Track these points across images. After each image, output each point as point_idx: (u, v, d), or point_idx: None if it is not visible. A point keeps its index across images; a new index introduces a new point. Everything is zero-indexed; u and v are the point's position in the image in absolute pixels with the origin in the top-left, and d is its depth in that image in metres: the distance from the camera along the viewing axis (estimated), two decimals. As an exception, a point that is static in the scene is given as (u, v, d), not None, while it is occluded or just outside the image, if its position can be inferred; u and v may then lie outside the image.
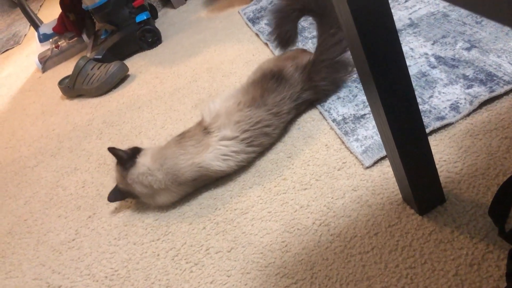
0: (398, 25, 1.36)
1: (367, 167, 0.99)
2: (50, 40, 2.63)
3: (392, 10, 1.43)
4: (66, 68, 2.39)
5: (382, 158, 0.99)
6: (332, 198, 0.96)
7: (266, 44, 1.64)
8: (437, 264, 0.76)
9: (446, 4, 1.34)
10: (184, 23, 2.23)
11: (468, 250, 0.76)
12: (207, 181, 1.14)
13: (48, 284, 1.10)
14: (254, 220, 1.00)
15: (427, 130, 0.98)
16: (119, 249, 1.10)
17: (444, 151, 0.94)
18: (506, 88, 0.99)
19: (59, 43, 2.58)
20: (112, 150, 1.16)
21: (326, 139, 1.12)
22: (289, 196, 1.02)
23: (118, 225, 1.17)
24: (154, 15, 2.42)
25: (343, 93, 1.22)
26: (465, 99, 1.02)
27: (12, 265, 1.22)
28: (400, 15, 1.40)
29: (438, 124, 0.99)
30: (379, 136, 1.03)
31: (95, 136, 1.63)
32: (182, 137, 1.16)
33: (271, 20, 1.26)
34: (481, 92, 1.01)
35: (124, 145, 1.48)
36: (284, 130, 1.20)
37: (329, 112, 1.18)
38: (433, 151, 0.94)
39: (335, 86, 1.23)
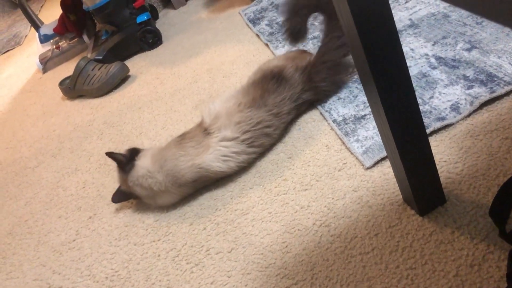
0: (399, 25, 1.36)
1: (368, 168, 0.99)
2: (51, 40, 2.63)
3: (393, 11, 1.43)
4: (67, 69, 2.39)
5: (383, 159, 0.99)
6: (332, 199, 0.96)
7: (267, 44, 1.64)
8: (438, 264, 0.76)
9: (447, 5, 1.34)
10: (184, 24, 2.23)
11: (468, 251, 0.76)
12: (208, 182, 1.14)
13: (48, 285, 1.10)
14: (255, 220, 1.00)
15: (428, 131, 0.98)
16: (120, 250, 1.10)
17: (444, 152, 0.94)
18: (507, 88, 0.99)
19: (59, 43, 2.58)
20: (110, 154, 1.18)
21: (326, 140, 1.12)
22: (290, 196, 1.02)
23: (119, 226, 1.17)
24: (154, 15, 2.42)
25: (343, 93, 1.22)
26: (465, 99, 1.02)
27: (12, 265, 1.22)
28: (400, 16, 1.40)
29: (438, 124, 0.99)
30: (379, 136, 1.03)
31: (95, 136, 1.63)
32: (182, 138, 1.16)
33: (283, 12, 1.26)
34: (482, 92, 1.01)
35: (125, 146, 1.48)
36: (284, 130, 1.20)
37: (329, 112, 1.18)
38: (433, 151, 0.94)
39: (335, 87, 1.23)
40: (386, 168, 0.96)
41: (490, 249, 0.74)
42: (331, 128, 1.14)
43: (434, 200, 0.83)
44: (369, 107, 1.13)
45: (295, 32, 1.24)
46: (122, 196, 1.19)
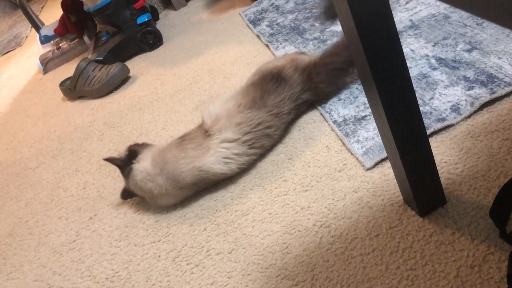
0: (399, 26, 1.36)
1: (368, 169, 0.99)
2: (52, 41, 2.64)
3: (393, 12, 1.43)
4: (67, 70, 2.39)
5: (383, 160, 0.99)
6: (333, 199, 0.96)
7: (267, 45, 1.65)
8: (438, 265, 0.76)
9: (447, 6, 1.34)
10: (185, 25, 2.23)
11: (469, 252, 0.75)
12: (208, 185, 1.14)
13: (49, 286, 1.10)
14: (255, 221, 1.00)
15: (428, 132, 0.98)
16: (120, 251, 1.10)
17: (445, 153, 0.94)
18: (507, 89, 0.99)
19: (60, 44, 2.59)
20: (108, 160, 1.20)
21: (327, 141, 1.12)
22: (290, 197, 1.02)
23: (119, 227, 1.17)
24: (155, 16, 2.42)
25: (344, 94, 1.22)
26: (466, 100, 1.02)
27: (13, 266, 1.22)
28: (401, 17, 1.40)
29: (439, 125, 0.99)
30: (380, 137, 1.03)
31: (96, 137, 1.63)
32: (183, 139, 1.16)
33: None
34: (482, 93, 1.01)
35: (125, 147, 1.48)
36: (285, 131, 1.20)
37: (330, 113, 1.18)
38: (434, 152, 0.94)
39: (335, 89, 1.23)
40: (387, 169, 0.96)
41: (491, 250, 0.74)
42: (332, 129, 1.14)
43: (435, 201, 0.83)
44: (369, 108, 1.13)
45: (331, 11, 1.23)
46: (128, 194, 1.21)
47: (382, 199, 0.91)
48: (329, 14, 1.23)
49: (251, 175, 1.13)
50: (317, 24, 1.62)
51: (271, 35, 1.70)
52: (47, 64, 2.54)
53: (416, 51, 1.23)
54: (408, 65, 1.19)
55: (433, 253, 0.78)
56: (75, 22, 2.44)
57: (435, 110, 1.03)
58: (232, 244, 0.98)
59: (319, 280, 0.83)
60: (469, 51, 1.14)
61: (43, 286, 1.11)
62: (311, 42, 1.52)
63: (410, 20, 1.36)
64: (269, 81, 1.17)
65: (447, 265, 0.75)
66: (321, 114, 1.20)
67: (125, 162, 1.17)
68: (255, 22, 1.86)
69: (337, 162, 1.04)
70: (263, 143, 1.14)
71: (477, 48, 1.13)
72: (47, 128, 1.89)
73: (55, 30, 2.55)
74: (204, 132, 1.14)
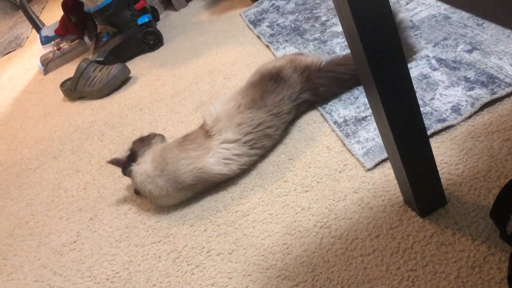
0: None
1: (369, 169, 0.99)
2: (52, 42, 2.64)
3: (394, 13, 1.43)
4: (68, 70, 2.39)
5: (384, 160, 0.99)
6: (333, 200, 0.96)
7: (268, 46, 1.65)
8: (439, 266, 0.76)
9: (447, 6, 1.34)
10: (185, 26, 2.24)
11: (469, 253, 0.75)
12: (209, 186, 1.13)
13: (49, 286, 1.10)
14: (256, 222, 1.00)
15: (429, 132, 0.98)
16: (120, 251, 1.10)
17: (445, 153, 0.94)
18: (508, 90, 0.99)
19: (61, 45, 2.59)
20: (111, 163, 1.24)
21: (327, 141, 1.12)
22: (290, 198, 1.02)
23: (120, 227, 1.17)
24: (155, 17, 2.42)
25: (344, 95, 1.22)
26: (466, 101, 1.02)
27: (13, 267, 1.22)
28: (402, 18, 1.40)
29: (439, 126, 0.99)
30: (380, 138, 1.03)
31: (96, 138, 1.63)
32: (184, 139, 1.16)
33: None
34: (483, 94, 1.01)
35: (125, 147, 1.48)
36: (285, 132, 1.20)
37: (330, 114, 1.18)
38: (434, 153, 0.94)
39: (333, 94, 1.23)
40: (387, 170, 0.96)
41: (491, 250, 0.74)
42: (332, 130, 1.14)
43: (435, 201, 0.83)
44: (370, 108, 1.13)
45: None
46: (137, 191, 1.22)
47: (382, 199, 0.91)
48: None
49: (251, 175, 1.13)
50: (317, 25, 1.62)
51: (272, 35, 1.70)
52: (47, 65, 2.54)
53: (416, 52, 1.23)
54: (409, 65, 1.19)
55: (434, 253, 0.78)
56: (75, 22, 2.44)
57: (436, 110, 1.03)
58: (232, 245, 0.98)
59: (319, 280, 0.83)
60: (469, 51, 1.14)
61: (43, 286, 1.11)
62: (311, 43, 1.52)
63: (411, 21, 1.36)
64: (268, 81, 1.17)
65: (448, 266, 0.75)
66: (322, 114, 1.20)
67: (125, 165, 1.19)
68: (255, 22, 1.86)
69: (337, 162, 1.04)
70: (264, 143, 1.14)
71: (477, 49, 1.13)
72: (47, 128, 1.89)
73: (55, 31, 2.55)
74: (205, 132, 1.14)
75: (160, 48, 2.14)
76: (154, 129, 1.52)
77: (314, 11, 1.72)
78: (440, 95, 1.06)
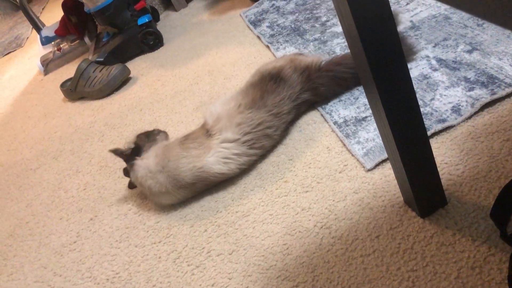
0: (400, 28, 1.36)
1: (369, 170, 0.99)
2: (52, 42, 2.64)
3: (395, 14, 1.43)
4: (68, 71, 2.39)
5: (384, 161, 0.99)
6: (333, 200, 0.96)
7: (268, 46, 1.65)
8: (439, 267, 0.76)
9: (448, 7, 1.34)
10: (185, 26, 2.24)
11: (469, 253, 0.75)
12: (209, 186, 1.14)
13: (49, 287, 1.10)
14: (256, 222, 1.00)
15: (429, 133, 0.98)
16: (121, 252, 1.10)
17: (445, 154, 0.94)
18: (508, 90, 0.99)
19: (61, 45, 2.59)
20: (113, 152, 1.21)
21: (327, 142, 1.12)
22: (291, 198, 1.02)
23: (120, 228, 1.17)
24: (156, 17, 2.42)
25: (344, 95, 1.22)
26: (466, 101, 1.02)
27: (13, 267, 1.22)
28: (401, 18, 1.40)
29: (439, 126, 0.99)
30: (380, 138, 1.03)
31: (97, 138, 1.63)
32: (186, 138, 1.17)
33: None
34: (483, 94, 1.01)
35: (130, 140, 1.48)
36: (285, 132, 1.20)
37: (330, 114, 1.18)
38: (434, 153, 0.94)
39: (333, 94, 1.23)
40: (387, 170, 0.96)
41: (491, 251, 0.74)
42: (332, 130, 1.14)
43: (435, 202, 0.83)
44: (370, 109, 1.13)
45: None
46: (133, 185, 1.22)
47: (382, 200, 0.91)
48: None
49: (251, 176, 1.13)
50: (317, 25, 1.62)
51: (272, 36, 1.70)
52: (48, 65, 2.54)
53: (416, 52, 1.23)
54: (409, 66, 1.19)
55: (434, 254, 0.78)
56: (76, 23, 2.44)
57: (436, 111, 1.03)
58: (232, 245, 0.98)
59: (319, 281, 0.83)
60: (469, 52, 1.14)
61: (43, 287, 1.11)
62: (311, 43, 1.52)
63: (411, 21, 1.36)
64: (268, 82, 1.17)
65: (448, 266, 0.75)
66: (322, 115, 1.20)
67: (129, 157, 1.19)
68: (255, 23, 1.86)
69: (337, 163, 1.04)
70: (263, 143, 1.14)
71: (477, 49, 1.13)
72: (48, 129, 1.89)
73: (56, 31, 2.55)
74: (206, 132, 1.15)
75: (160, 48, 2.14)
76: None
77: (314, 12, 1.72)
78: (440, 96, 1.06)
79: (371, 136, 1.05)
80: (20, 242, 1.30)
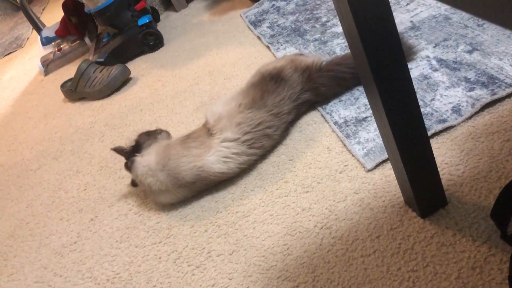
0: (400, 28, 1.36)
1: (369, 170, 0.99)
2: (53, 43, 2.64)
3: (394, 13, 1.43)
4: (69, 71, 2.39)
5: (384, 161, 0.99)
6: (334, 201, 0.96)
7: (268, 47, 1.65)
8: (439, 267, 0.76)
9: (448, 7, 1.34)
10: (186, 26, 2.24)
11: (470, 253, 0.75)
12: (209, 185, 1.14)
13: (50, 287, 1.10)
14: (256, 223, 1.00)
15: (429, 133, 0.98)
16: (121, 252, 1.10)
17: (446, 154, 0.94)
18: (508, 90, 0.99)
19: (61, 46, 2.59)
20: (115, 150, 1.22)
21: (327, 142, 1.12)
22: (291, 199, 1.02)
23: (120, 228, 1.17)
24: (156, 18, 2.42)
25: (344, 96, 1.22)
26: (467, 101, 1.02)
27: (14, 268, 1.22)
28: (401, 18, 1.40)
29: (440, 126, 0.99)
30: (380, 139, 1.03)
31: (97, 138, 1.63)
32: (188, 137, 1.17)
33: None
34: (483, 94, 1.01)
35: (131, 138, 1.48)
36: (285, 132, 1.20)
37: (330, 114, 1.18)
38: (435, 153, 0.94)
39: (333, 94, 1.23)
40: (388, 170, 0.96)
41: (492, 251, 0.74)
42: (332, 130, 1.14)
43: (436, 202, 0.83)
44: (370, 109, 1.13)
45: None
46: (136, 183, 1.23)
47: (383, 200, 0.91)
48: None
49: (252, 176, 1.13)
50: (317, 26, 1.62)
51: (272, 36, 1.70)
52: (48, 66, 2.54)
53: (417, 53, 1.23)
54: (409, 66, 1.19)
55: (434, 254, 0.78)
56: (76, 23, 2.44)
57: (436, 111, 1.03)
58: (233, 246, 0.98)
59: (320, 281, 0.83)
60: (470, 52, 1.14)
61: (44, 287, 1.11)
62: (312, 44, 1.52)
63: (411, 22, 1.36)
64: (268, 81, 1.17)
65: (448, 267, 0.75)
66: (322, 115, 1.20)
67: (129, 154, 1.20)
68: (255, 23, 1.86)
69: (338, 163, 1.04)
70: (263, 143, 1.14)
71: (478, 49, 1.13)
72: (48, 129, 1.89)
73: (56, 32, 2.55)
74: (207, 131, 1.15)
75: (161, 49, 2.14)
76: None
77: (315, 12, 1.72)
78: (441, 96, 1.06)
79: (371, 136, 1.05)
80: (20, 243, 1.30)
